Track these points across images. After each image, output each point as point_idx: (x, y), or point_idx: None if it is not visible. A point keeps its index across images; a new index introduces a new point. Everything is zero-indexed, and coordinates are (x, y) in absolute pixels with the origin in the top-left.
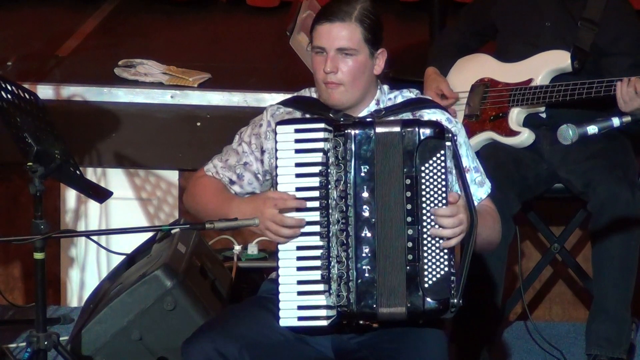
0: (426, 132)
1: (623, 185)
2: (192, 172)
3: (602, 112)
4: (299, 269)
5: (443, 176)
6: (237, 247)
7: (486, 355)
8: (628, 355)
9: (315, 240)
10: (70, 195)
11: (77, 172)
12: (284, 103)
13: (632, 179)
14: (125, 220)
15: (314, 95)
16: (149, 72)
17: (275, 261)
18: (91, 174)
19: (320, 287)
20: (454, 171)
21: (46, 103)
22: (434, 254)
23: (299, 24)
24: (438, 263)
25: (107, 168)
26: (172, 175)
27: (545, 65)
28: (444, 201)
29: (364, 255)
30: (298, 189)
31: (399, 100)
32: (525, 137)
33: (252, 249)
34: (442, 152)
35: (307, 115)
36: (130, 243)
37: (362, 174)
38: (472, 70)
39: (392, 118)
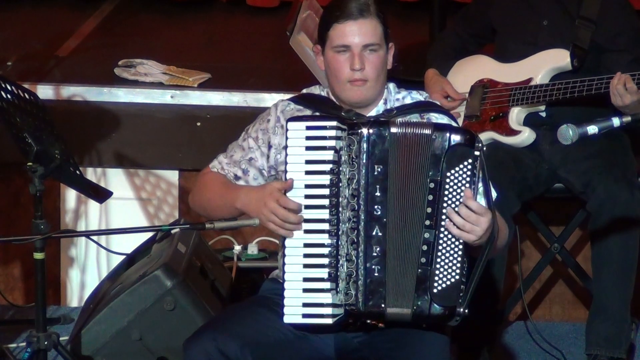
0: (457, 138)
1: (622, 185)
2: (192, 172)
3: (602, 110)
4: (306, 266)
5: (467, 184)
6: (237, 247)
7: (486, 355)
8: (628, 355)
9: (324, 238)
10: (70, 195)
11: (77, 172)
12: (295, 100)
13: (631, 179)
14: (125, 220)
15: (323, 94)
16: (149, 72)
17: (275, 261)
18: (91, 174)
19: (327, 285)
20: (480, 184)
21: (46, 103)
22: (447, 260)
23: (299, 24)
24: (450, 270)
25: (107, 168)
26: (172, 175)
27: (545, 64)
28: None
29: (374, 254)
30: (307, 186)
31: (408, 100)
32: (526, 136)
33: (252, 249)
34: (470, 160)
35: (318, 114)
36: (130, 243)
37: (375, 173)
38: (471, 71)
39: (408, 119)
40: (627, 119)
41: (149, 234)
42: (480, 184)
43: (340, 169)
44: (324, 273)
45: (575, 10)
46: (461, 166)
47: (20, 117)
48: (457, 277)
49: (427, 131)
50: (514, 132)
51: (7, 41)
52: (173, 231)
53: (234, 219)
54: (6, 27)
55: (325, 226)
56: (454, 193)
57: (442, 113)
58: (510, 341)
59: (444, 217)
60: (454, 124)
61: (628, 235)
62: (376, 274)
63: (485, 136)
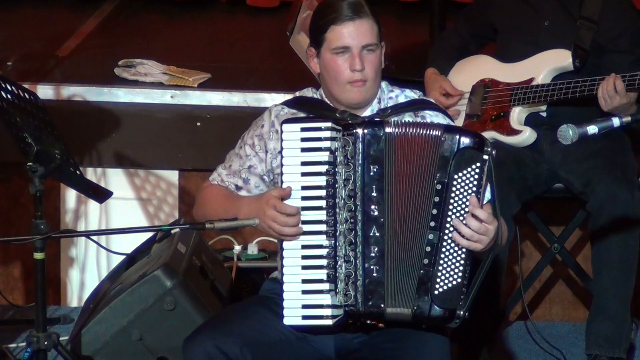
0: (466, 141)
1: (622, 185)
2: (192, 172)
3: (603, 110)
4: (304, 267)
5: (475, 188)
6: (237, 247)
7: (486, 355)
8: (628, 355)
9: (321, 239)
10: (70, 195)
11: (77, 172)
12: (288, 104)
13: (632, 178)
14: (125, 220)
15: (316, 96)
16: (149, 72)
17: (275, 261)
18: (91, 174)
19: (326, 286)
20: (487, 189)
21: (46, 103)
22: (450, 263)
23: (299, 24)
24: (452, 272)
25: (107, 168)
26: (172, 175)
27: (547, 64)
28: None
29: (372, 254)
30: (304, 188)
31: (402, 99)
32: (527, 135)
33: (252, 249)
34: (478, 164)
35: (312, 116)
36: (130, 243)
37: (371, 174)
38: (473, 71)
39: (403, 119)
40: (627, 119)
41: (149, 234)
42: (487, 189)
43: (336, 170)
44: (322, 274)
45: (577, 11)
46: (469, 169)
47: (20, 117)
48: (459, 279)
49: (437, 132)
50: (515, 132)
51: (7, 41)
52: (173, 231)
53: (234, 219)
54: (6, 27)
55: (323, 227)
56: (460, 196)
57: (437, 110)
58: (510, 341)
59: (449, 219)
60: (448, 121)
61: (628, 235)
62: (375, 274)
63: (486, 135)
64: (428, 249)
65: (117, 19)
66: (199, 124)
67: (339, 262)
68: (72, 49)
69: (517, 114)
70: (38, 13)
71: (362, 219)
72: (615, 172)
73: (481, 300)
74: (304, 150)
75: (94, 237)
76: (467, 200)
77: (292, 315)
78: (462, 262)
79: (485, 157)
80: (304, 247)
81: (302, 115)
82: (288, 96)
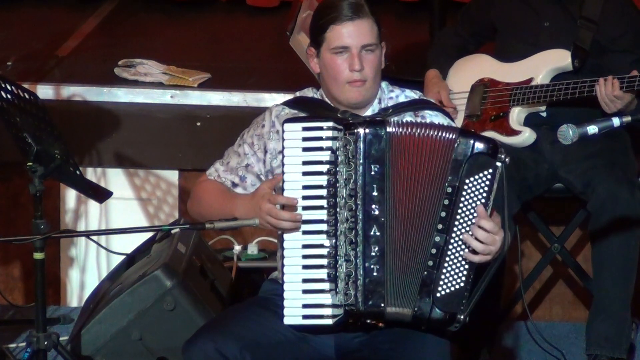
0: (480, 146)
1: (623, 185)
2: (192, 172)
3: (603, 111)
4: (305, 267)
5: (485, 194)
6: (237, 247)
7: (486, 355)
8: (628, 355)
9: (322, 239)
10: (70, 195)
11: (77, 172)
12: (288, 104)
13: (632, 178)
14: (125, 220)
15: (317, 96)
16: (149, 72)
17: (275, 261)
18: (91, 174)
19: (326, 285)
20: (498, 197)
21: (46, 103)
22: (454, 266)
23: (299, 24)
24: (456, 277)
25: (107, 168)
26: (172, 175)
27: (546, 65)
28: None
29: (372, 254)
30: (305, 187)
31: (402, 99)
32: (526, 136)
33: (252, 249)
34: (491, 170)
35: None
36: (130, 243)
37: (373, 173)
38: (472, 70)
39: (404, 119)
40: (627, 118)
41: (149, 234)
42: (498, 197)
43: (337, 169)
44: (323, 274)
45: (577, 11)
46: (481, 175)
47: (20, 117)
48: (462, 284)
49: (451, 135)
50: (514, 132)
51: (7, 41)
52: (173, 231)
53: (234, 219)
54: (6, 27)
55: (324, 227)
56: (470, 201)
57: (437, 110)
58: (510, 341)
59: (457, 223)
60: (448, 121)
61: (629, 235)
62: (375, 274)
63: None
64: (434, 251)
65: (117, 19)
66: (199, 124)
67: (339, 262)
68: (72, 49)
69: (517, 114)
70: (38, 13)
71: (362, 219)
72: (616, 172)
73: (481, 300)
74: (305, 149)
75: (94, 237)
76: (477, 205)
77: (293, 314)
78: (466, 266)
79: (498, 163)
80: (304, 246)
81: (303, 115)
82: (288, 96)
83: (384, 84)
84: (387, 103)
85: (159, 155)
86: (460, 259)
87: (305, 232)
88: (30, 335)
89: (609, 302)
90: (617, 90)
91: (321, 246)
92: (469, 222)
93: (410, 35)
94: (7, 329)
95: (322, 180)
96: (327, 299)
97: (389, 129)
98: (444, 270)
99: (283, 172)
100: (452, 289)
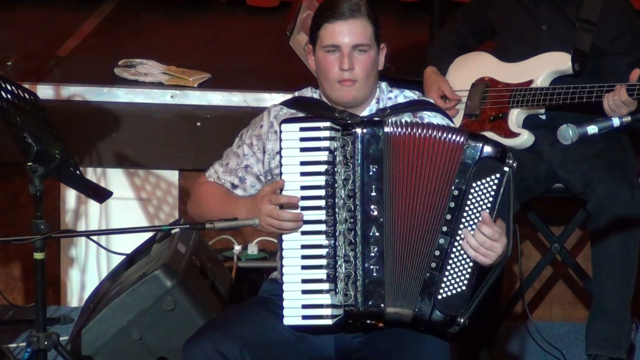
0: (488, 150)
1: (622, 186)
2: (192, 172)
3: (602, 115)
4: (304, 267)
5: (492, 199)
6: (237, 247)
7: (486, 355)
8: (628, 355)
9: (321, 239)
10: (70, 195)
11: (77, 172)
12: (287, 104)
13: (632, 179)
14: (125, 220)
15: (315, 96)
16: (149, 72)
17: (275, 261)
18: (91, 174)
19: (326, 286)
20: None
21: (46, 103)
22: (457, 269)
23: (299, 24)
24: (458, 279)
25: (107, 168)
26: (172, 175)
27: (546, 67)
28: None
29: (372, 254)
30: (303, 188)
31: (401, 99)
32: (524, 139)
33: (252, 249)
34: (498, 175)
35: (312, 115)
36: (130, 243)
37: (371, 173)
38: (472, 68)
39: (403, 119)
40: (627, 119)
41: (149, 234)
42: (504, 202)
43: (335, 169)
44: (322, 274)
45: (574, 15)
46: (488, 179)
47: (20, 117)
48: (464, 287)
49: (460, 138)
50: (513, 135)
51: (7, 41)
52: (173, 231)
53: (234, 219)
54: (6, 27)
55: (322, 227)
56: (476, 204)
57: (436, 111)
58: (510, 341)
59: (462, 226)
60: (447, 122)
61: (628, 235)
62: (374, 274)
63: None
64: (437, 253)
65: (117, 19)
66: (199, 124)
67: (338, 262)
68: (72, 49)
69: (516, 116)
70: (38, 13)
71: (361, 219)
72: (616, 173)
73: (481, 300)
74: (303, 150)
75: (94, 237)
76: (482, 209)
77: (292, 315)
78: (469, 270)
79: (506, 168)
80: (303, 247)
81: (301, 115)
82: (288, 96)
83: (383, 85)
84: (385, 103)
85: (159, 155)
86: (463, 262)
87: (304, 233)
88: (30, 335)
89: (608, 302)
90: (624, 95)
91: (320, 246)
92: (474, 227)
93: (410, 35)
94: (7, 329)
95: (320, 180)
96: (326, 299)
97: (386, 129)
98: (447, 273)
99: (281, 173)
100: (454, 292)
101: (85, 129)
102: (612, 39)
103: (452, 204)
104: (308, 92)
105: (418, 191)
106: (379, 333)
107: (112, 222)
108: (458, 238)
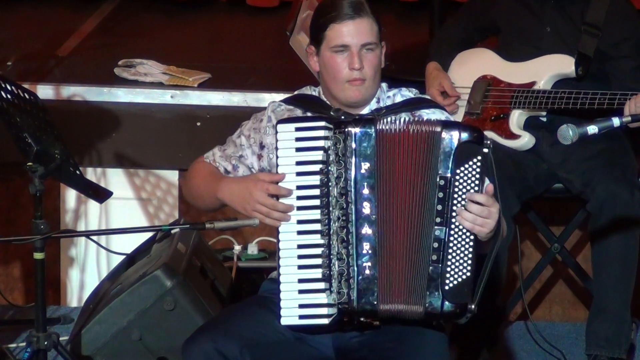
0: (465, 135)
1: (622, 186)
2: None
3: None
4: (300, 267)
5: (477, 181)
6: (237, 247)
7: (486, 355)
8: (628, 355)
9: (316, 239)
10: (70, 195)
11: (77, 172)
12: (286, 101)
13: (632, 179)
14: (125, 220)
15: (315, 94)
16: (149, 72)
17: (275, 261)
18: (91, 174)
19: (322, 285)
20: (487, 181)
21: (46, 103)
22: (458, 257)
23: (299, 24)
24: (461, 267)
25: (107, 168)
26: (172, 175)
27: (549, 69)
28: None
29: (364, 252)
30: (299, 187)
31: (398, 98)
32: (525, 141)
33: (252, 249)
34: (479, 157)
35: (308, 114)
36: (130, 243)
37: (363, 171)
38: (475, 65)
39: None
40: (627, 118)
41: (149, 234)
42: (487, 181)
43: (329, 168)
44: (318, 273)
45: (579, 18)
46: (470, 163)
47: (20, 117)
48: (469, 273)
49: (436, 129)
50: (513, 136)
51: (7, 41)
52: (173, 231)
53: (234, 219)
54: (6, 27)
55: (318, 226)
56: (464, 190)
57: (433, 107)
58: (510, 341)
59: (454, 214)
60: (446, 116)
61: (628, 235)
62: (368, 272)
63: None
64: (436, 245)
65: (117, 19)
66: (199, 124)
67: (332, 261)
68: (72, 49)
69: (517, 117)
70: (38, 13)
71: (354, 217)
72: (616, 172)
73: (481, 300)
74: (298, 150)
75: (94, 237)
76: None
77: (289, 315)
78: (470, 255)
79: (485, 150)
80: (299, 246)
81: (298, 112)
82: (288, 96)
83: (384, 85)
84: (385, 102)
85: (159, 155)
86: (463, 249)
87: (300, 232)
88: (30, 335)
89: (609, 302)
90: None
91: (316, 246)
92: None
93: (410, 35)
94: (7, 329)
95: (316, 179)
96: (322, 298)
97: (379, 127)
98: (449, 263)
99: (277, 173)
100: (460, 280)
101: (85, 129)
102: (617, 42)
103: (440, 194)
104: (308, 90)
105: (407, 187)
106: (378, 332)
107: (112, 222)
108: (453, 226)
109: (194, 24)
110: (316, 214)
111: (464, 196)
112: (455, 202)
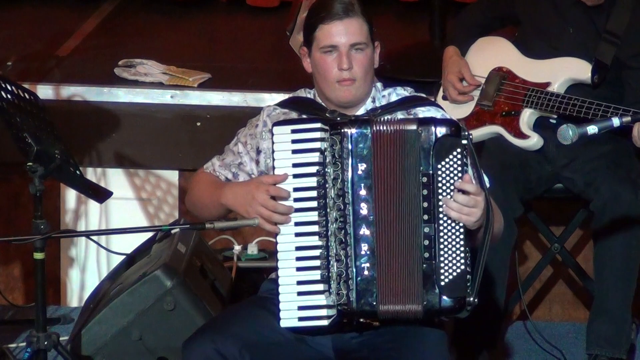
0: (442, 130)
1: (626, 186)
2: (192, 172)
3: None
4: (299, 269)
5: (460, 174)
6: (237, 247)
7: (486, 355)
8: (628, 355)
9: (314, 240)
10: (70, 195)
11: (77, 172)
12: (281, 104)
13: (635, 179)
14: (125, 220)
15: (309, 96)
16: (149, 72)
17: (275, 261)
18: (91, 174)
19: (320, 286)
20: (470, 170)
21: (46, 103)
22: (450, 252)
23: (298, 24)
24: (455, 261)
25: (107, 168)
26: (172, 175)
27: (565, 73)
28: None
29: (362, 253)
30: (296, 189)
31: (393, 98)
32: (534, 142)
33: (252, 249)
34: (459, 149)
35: (304, 116)
36: (130, 243)
37: (359, 172)
38: (493, 55)
39: (392, 117)
40: (627, 119)
41: (149, 234)
42: (471, 170)
43: (326, 170)
44: (316, 275)
45: (602, 24)
46: (451, 157)
47: (20, 117)
48: (463, 267)
49: (413, 127)
50: (523, 136)
51: (7, 41)
52: (173, 231)
53: (234, 219)
54: (6, 27)
55: (315, 228)
56: (448, 184)
57: (429, 105)
58: (510, 341)
59: (441, 209)
60: (442, 113)
61: (631, 235)
62: (366, 273)
63: (493, 129)
64: (426, 242)
65: (117, 19)
66: (199, 124)
67: (331, 262)
68: (72, 49)
69: (528, 117)
70: (38, 13)
71: (351, 218)
72: (619, 173)
73: (481, 301)
74: (295, 152)
75: (94, 237)
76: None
77: (289, 317)
78: (462, 248)
79: (464, 141)
80: (297, 248)
81: (293, 115)
82: (288, 96)
83: (379, 84)
84: (380, 102)
85: (159, 155)
86: (454, 242)
87: (298, 234)
88: (30, 335)
89: (609, 302)
90: None
91: (314, 247)
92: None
93: (410, 35)
94: (7, 329)
95: (312, 181)
96: (321, 300)
97: (374, 128)
98: (442, 258)
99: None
100: (455, 274)
101: (85, 129)
102: (636, 53)
103: (424, 192)
104: (302, 93)
105: (397, 186)
106: (378, 333)
107: (112, 222)
108: (441, 222)
109: (194, 24)
110: (314, 216)
111: (448, 190)
112: (440, 197)
